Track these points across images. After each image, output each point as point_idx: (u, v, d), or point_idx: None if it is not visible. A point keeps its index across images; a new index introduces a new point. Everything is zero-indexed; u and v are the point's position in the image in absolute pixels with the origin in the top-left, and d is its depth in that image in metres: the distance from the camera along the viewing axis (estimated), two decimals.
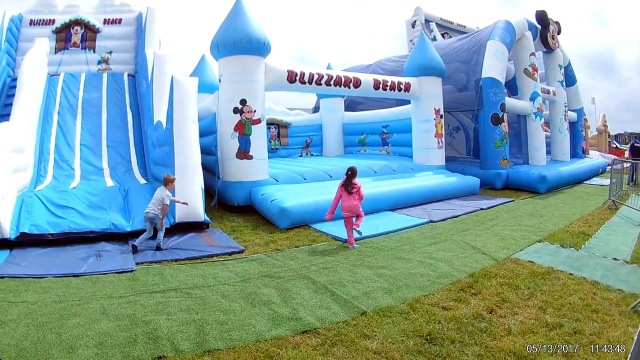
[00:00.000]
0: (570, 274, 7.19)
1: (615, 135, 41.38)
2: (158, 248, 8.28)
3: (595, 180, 20.68)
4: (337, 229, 9.54)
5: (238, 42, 11.59)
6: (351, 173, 8.82)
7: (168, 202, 8.55)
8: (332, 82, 13.54)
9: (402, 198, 12.77)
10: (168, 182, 8.75)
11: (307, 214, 10.22)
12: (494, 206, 13.49)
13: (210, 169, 12.60)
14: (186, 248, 8.19)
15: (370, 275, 6.88)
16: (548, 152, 23.00)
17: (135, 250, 8.08)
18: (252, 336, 4.76)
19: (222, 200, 12.12)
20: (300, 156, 20.58)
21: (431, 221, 11.10)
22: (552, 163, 21.41)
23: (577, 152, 26.06)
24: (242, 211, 11.47)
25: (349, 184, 8.79)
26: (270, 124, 19.65)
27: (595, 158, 27.35)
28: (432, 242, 9.10)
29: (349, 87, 14.11)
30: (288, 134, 20.69)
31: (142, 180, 12.26)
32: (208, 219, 9.73)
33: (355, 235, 8.69)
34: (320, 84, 13.35)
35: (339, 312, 5.46)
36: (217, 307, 5.49)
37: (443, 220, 11.37)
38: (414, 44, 21.88)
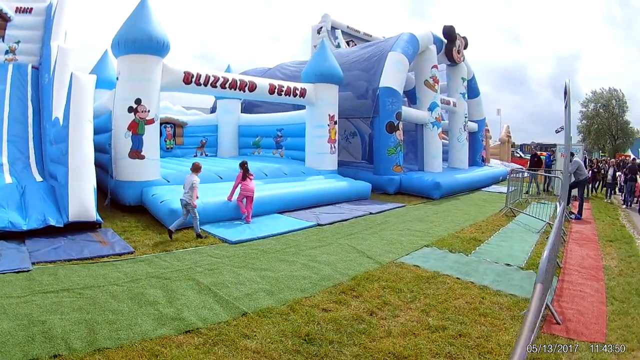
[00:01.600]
0: (458, 278, 7.70)
1: (521, 145, 44.54)
2: (198, 236, 9.98)
3: (495, 188, 22.53)
4: (224, 230, 10.45)
5: (138, 40, 12.16)
6: (245, 165, 11.60)
7: (197, 186, 10.12)
8: (227, 85, 14.40)
9: (291, 201, 13.64)
10: (197, 169, 10.43)
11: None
12: (384, 211, 14.45)
13: (104, 168, 12.96)
14: (78, 248, 8.59)
15: (253, 277, 7.39)
16: (446, 160, 25.10)
17: (170, 234, 9.78)
18: (138, 335, 5.13)
19: (115, 199, 12.56)
20: (194, 156, 21.40)
21: (319, 224, 11.88)
22: (449, 170, 23.31)
23: (476, 160, 28.38)
24: (134, 211, 11.97)
25: (245, 175, 11.53)
26: (166, 122, 20.40)
27: (495, 167, 29.67)
28: (317, 245, 9.74)
29: (245, 91, 15.06)
30: (184, 134, 21.41)
31: (39, 178, 12.44)
32: (100, 218, 10.16)
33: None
34: (216, 87, 14.17)
35: (221, 312, 5.89)
36: (107, 307, 5.85)
37: (331, 223, 12.15)
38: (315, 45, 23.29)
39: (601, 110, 66.27)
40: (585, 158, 33.66)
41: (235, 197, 11.73)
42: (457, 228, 12.28)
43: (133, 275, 7.22)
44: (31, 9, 18.14)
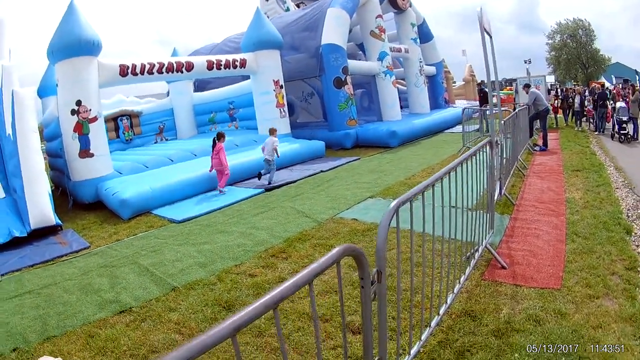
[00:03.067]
0: (394, 227, 7.57)
1: (482, 81, 44.67)
2: (269, 184, 12.77)
3: (458, 128, 22.27)
4: (173, 211, 10.91)
5: (69, 45, 12.49)
6: (216, 137, 12.58)
7: (277, 145, 13.21)
8: (164, 70, 14.77)
9: (243, 171, 14.05)
10: (274, 132, 13.61)
11: (147, 201, 11.33)
12: (336, 167, 14.80)
13: (63, 171, 13.41)
14: (41, 252, 9.00)
15: (191, 252, 7.68)
16: (407, 107, 25.61)
17: (260, 176, 13.33)
18: (80, 321, 5.53)
19: (75, 200, 13.03)
20: (154, 142, 21.80)
21: (266, 190, 12.33)
22: (410, 116, 23.71)
23: (438, 103, 28.90)
24: (93, 208, 12.37)
25: (213, 147, 12.49)
26: (121, 115, 20.84)
27: (459, 107, 29.64)
28: (260, 212, 10.00)
29: (182, 72, 15.44)
30: (141, 123, 21.77)
31: (2, 194, 12.56)
32: (59, 221, 10.60)
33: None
34: (153, 73, 14.53)
35: (154, 290, 6.23)
36: (59, 301, 6.25)
37: (279, 187, 12.56)
38: (268, 16, 23.51)
39: (568, 41, 65.88)
40: (557, 88, 34.16)
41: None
42: (407, 175, 12.47)
43: (86, 269, 7.61)
44: None
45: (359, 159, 16.30)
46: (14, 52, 16.92)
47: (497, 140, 6.96)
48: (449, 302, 4.46)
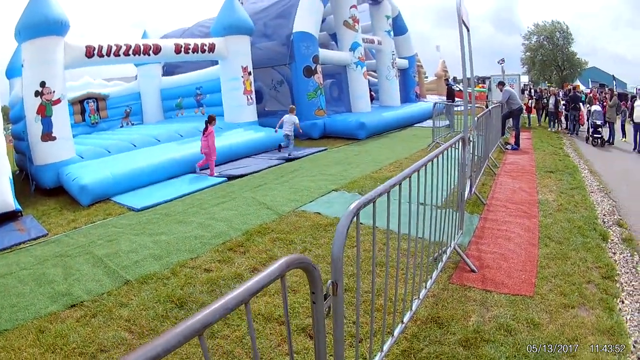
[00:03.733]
0: (361, 223, 7.27)
1: (454, 78, 44.65)
2: (289, 155, 14.73)
3: (428, 123, 21.90)
4: (133, 199, 10.78)
5: (36, 24, 12.21)
6: (207, 120, 12.99)
7: (297, 121, 15.49)
8: (131, 52, 14.56)
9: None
10: (293, 110, 15.85)
11: (107, 188, 11.15)
12: (302, 156, 14.76)
13: (26, 155, 13.15)
14: (0, 239, 8.82)
15: (147, 243, 7.52)
16: (378, 100, 25.68)
17: (280, 148, 15.82)
18: (32, 314, 5.40)
19: (38, 184, 12.82)
20: (120, 127, 21.58)
21: (228, 178, 12.19)
22: (379, 109, 23.84)
23: (409, 97, 29.09)
24: (55, 194, 12.12)
25: (204, 130, 12.84)
26: (87, 98, 20.66)
27: (430, 102, 29.78)
28: (220, 202, 9.85)
29: (149, 55, 15.21)
30: (107, 106, 21.55)
31: None
32: (19, 206, 10.41)
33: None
34: (119, 55, 14.31)
35: (107, 283, 6.09)
36: (13, 292, 6.07)
37: (241, 176, 12.41)
38: (242, 2, 23.28)
39: (545, 42, 66.66)
40: (530, 88, 34.54)
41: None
42: (374, 168, 12.37)
43: (41, 257, 7.45)
44: None
45: (326, 149, 16.27)
46: None
47: (470, 137, 6.91)
48: (414, 308, 4.31)
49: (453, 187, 5.89)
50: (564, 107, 22.06)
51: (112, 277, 6.32)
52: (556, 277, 5.35)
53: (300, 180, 11.42)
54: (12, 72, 17.02)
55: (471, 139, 7.50)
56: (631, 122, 16.76)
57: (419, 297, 4.45)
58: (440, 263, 5.29)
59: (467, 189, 7.53)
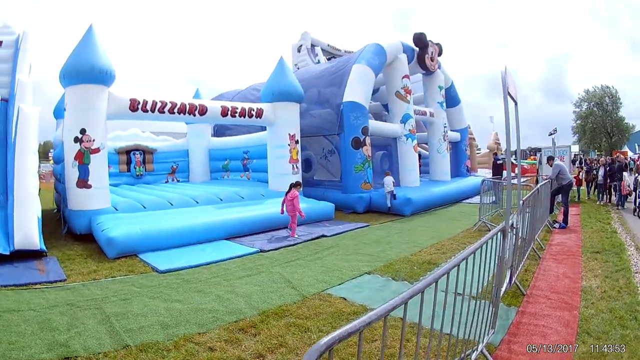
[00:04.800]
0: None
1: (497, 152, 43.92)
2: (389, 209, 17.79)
3: (477, 199, 20.40)
4: (159, 259, 10.48)
5: (81, 71, 12.49)
6: (292, 184, 13.81)
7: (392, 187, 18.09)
8: (176, 110, 14.64)
9: (243, 226, 13.47)
10: (389, 174, 18.11)
11: (135, 243, 10.89)
12: (342, 232, 14.11)
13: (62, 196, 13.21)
14: (18, 275, 8.88)
15: (159, 309, 7.23)
16: (428, 172, 25.20)
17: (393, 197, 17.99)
18: (26, 357, 5.35)
19: (70, 228, 12.85)
20: (165, 182, 21.83)
21: (261, 250, 11.54)
22: (429, 183, 23.30)
23: (460, 171, 28.46)
24: (85, 240, 12.09)
25: (287, 192, 13.56)
26: (135, 149, 20.98)
27: (480, 176, 28.83)
28: (246, 275, 9.38)
29: (194, 115, 15.26)
30: (154, 160, 21.87)
31: None
32: (44, 247, 10.41)
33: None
34: (164, 112, 14.38)
35: (107, 343, 5.89)
36: (15, 330, 6.09)
37: (276, 249, 11.75)
38: (298, 68, 23.45)
39: (595, 109, 66.27)
40: (581, 158, 33.61)
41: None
42: (414, 249, 11.63)
43: (53, 302, 7.39)
44: (1, 42, 18.25)
45: (368, 225, 15.63)
46: (36, 68, 16.90)
47: (512, 224, 6.34)
48: None
49: (490, 277, 5.31)
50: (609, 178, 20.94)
51: (113, 338, 6.07)
52: None
53: (334, 259, 10.76)
54: (60, 112, 17.19)
55: (514, 225, 6.91)
56: None
57: None
58: None
59: (507, 280, 6.91)
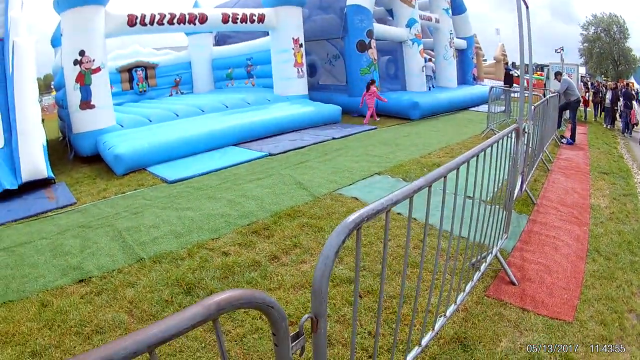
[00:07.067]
0: (399, 213, 6.67)
1: (513, 63, 43.16)
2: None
3: (484, 107, 20.31)
4: (168, 170, 10.47)
5: None
6: (369, 82, 17.08)
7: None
8: (175, 21, 14.19)
9: (250, 131, 13.50)
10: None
11: (143, 158, 10.89)
12: (350, 135, 14.09)
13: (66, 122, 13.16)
14: (28, 207, 8.74)
15: (171, 219, 7.20)
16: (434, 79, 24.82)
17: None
18: (40, 287, 5.24)
19: (76, 152, 12.86)
20: (170, 95, 21.56)
21: (270, 154, 11.63)
22: (434, 89, 22.84)
23: (466, 79, 27.90)
24: (92, 162, 12.05)
25: (366, 90, 17.04)
26: (136, 67, 20.61)
27: (487, 85, 28.27)
28: (256, 178, 9.35)
29: (195, 24, 14.80)
30: (156, 75, 21.53)
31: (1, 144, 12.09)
32: (52, 174, 10.29)
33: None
34: (163, 24, 13.95)
35: (120, 259, 5.84)
36: (28, 262, 5.94)
37: (284, 152, 11.85)
38: None
39: (602, 35, 64.44)
40: (587, 81, 33.16)
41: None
42: (423, 152, 11.66)
43: (64, 227, 7.26)
44: None
45: (376, 128, 15.62)
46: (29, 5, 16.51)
47: (525, 128, 6.25)
48: (436, 328, 3.66)
49: (502, 181, 5.16)
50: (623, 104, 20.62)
51: (126, 254, 6.04)
52: (599, 300, 4.68)
53: (343, 160, 10.77)
54: (57, 41, 16.90)
55: (526, 130, 6.86)
56: None
57: (445, 315, 3.85)
58: (478, 273, 4.65)
59: (518, 185, 6.79)
